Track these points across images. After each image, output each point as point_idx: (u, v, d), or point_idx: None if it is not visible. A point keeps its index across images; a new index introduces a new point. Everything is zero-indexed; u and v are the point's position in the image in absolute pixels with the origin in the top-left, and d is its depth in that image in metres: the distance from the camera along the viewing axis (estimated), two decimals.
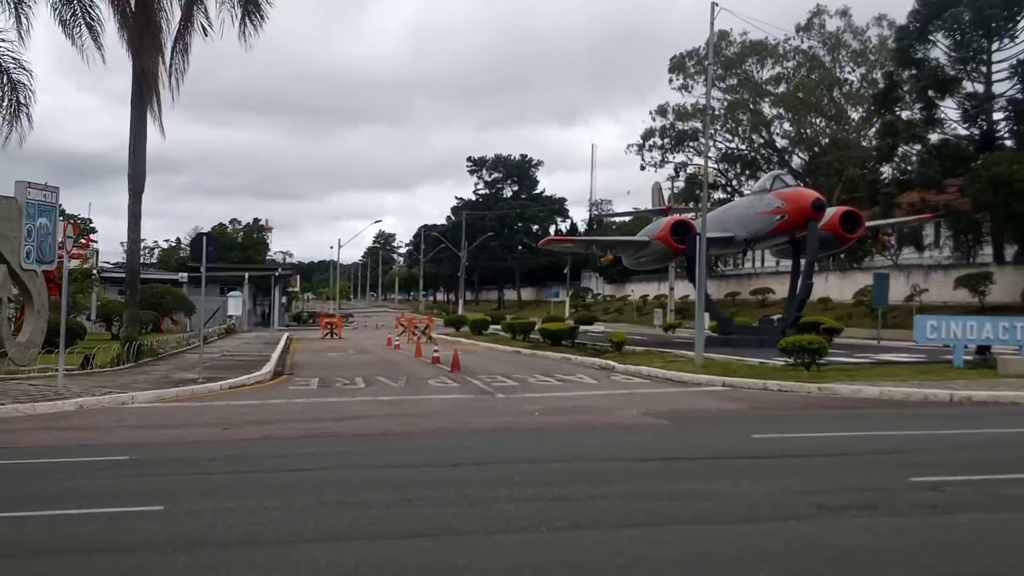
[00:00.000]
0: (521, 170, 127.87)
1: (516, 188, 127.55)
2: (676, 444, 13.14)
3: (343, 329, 57.53)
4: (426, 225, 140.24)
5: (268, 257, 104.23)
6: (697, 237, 28.32)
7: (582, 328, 47.07)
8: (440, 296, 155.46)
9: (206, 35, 29.51)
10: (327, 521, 8.37)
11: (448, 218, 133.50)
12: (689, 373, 23.92)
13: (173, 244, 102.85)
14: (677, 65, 79.41)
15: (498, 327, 49.09)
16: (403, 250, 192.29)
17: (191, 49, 29.44)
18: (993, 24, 54.58)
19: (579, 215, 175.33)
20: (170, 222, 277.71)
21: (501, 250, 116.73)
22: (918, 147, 58.42)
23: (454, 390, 21.78)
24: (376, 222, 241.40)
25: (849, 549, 7.36)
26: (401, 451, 12.78)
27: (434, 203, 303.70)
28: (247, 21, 29.22)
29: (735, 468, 11.04)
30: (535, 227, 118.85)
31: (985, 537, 7.67)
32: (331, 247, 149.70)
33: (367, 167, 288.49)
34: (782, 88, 76.34)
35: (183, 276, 51.87)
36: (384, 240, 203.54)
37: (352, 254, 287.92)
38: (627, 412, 17.25)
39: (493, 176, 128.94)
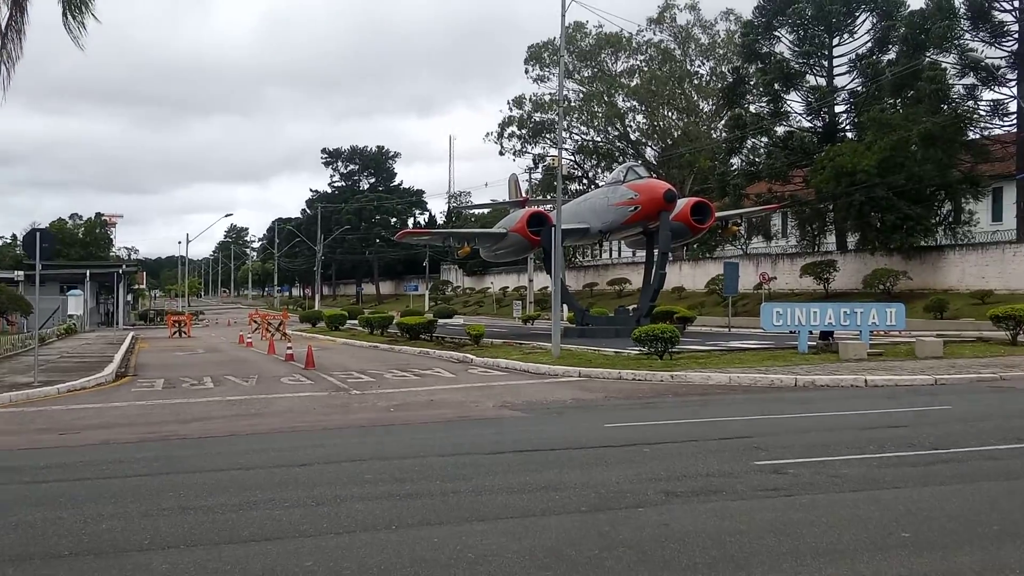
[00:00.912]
0: (378, 162, 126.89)
1: (373, 180, 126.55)
2: (531, 436, 13.14)
3: (192, 327, 55.76)
4: (280, 218, 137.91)
5: (112, 253, 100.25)
6: (552, 228, 28.54)
7: (441, 321, 46.98)
8: (296, 291, 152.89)
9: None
10: (166, 528, 8.01)
11: (303, 211, 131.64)
12: (546, 364, 24.07)
13: (8, 241, 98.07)
14: (534, 56, 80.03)
15: (355, 322, 48.54)
16: (257, 244, 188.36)
17: (25, 35, 27.84)
18: (834, 20, 56.94)
19: (438, 207, 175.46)
20: (6, 218, 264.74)
21: (359, 243, 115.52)
22: (765, 139, 60.50)
23: (307, 388, 21.34)
24: (227, 215, 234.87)
25: (694, 533, 7.47)
26: (249, 452, 12.38)
27: (289, 196, 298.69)
28: (69, 15, 27.43)
29: (587, 458, 11.10)
30: (393, 220, 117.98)
31: (822, 517, 7.89)
32: (179, 242, 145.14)
33: (218, 159, 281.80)
34: (636, 81, 77.82)
35: (18, 274, 49.29)
36: (236, 234, 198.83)
37: (203, 249, 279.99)
38: (483, 405, 17.23)
39: (349, 168, 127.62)
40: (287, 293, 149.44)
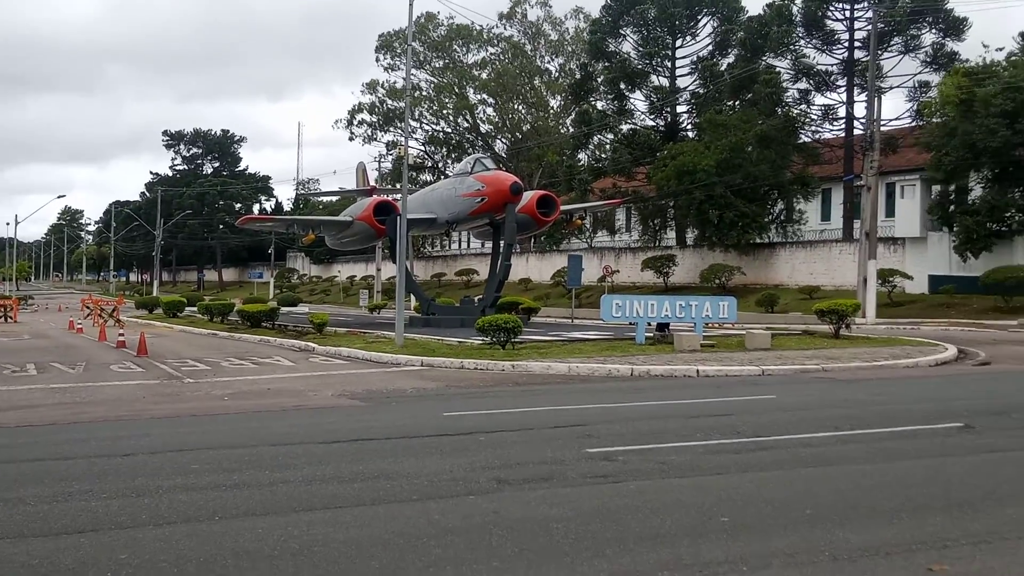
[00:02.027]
0: (223, 146, 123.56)
1: (218, 164, 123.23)
2: (368, 425, 13.00)
3: (19, 312, 52.94)
4: (118, 201, 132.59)
5: None
6: (399, 218, 28.36)
7: (285, 309, 46.17)
8: (134, 277, 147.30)
9: None
10: None
11: (143, 194, 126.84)
12: (389, 354, 23.92)
13: None
14: (385, 44, 79.43)
15: (195, 309, 47.11)
16: (93, 228, 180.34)
17: None
18: (676, 22, 58.52)
19: (286, 194, 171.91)
20: None
21: (201, 229, 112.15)
22: (611, 136, 61.76)
23: (138, 375, 20.56)
24: (60, 197, 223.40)
25: (523, 520, 7.51)
26: (70, 442, 11.80)
27: (129, 178, 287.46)
28: None
29: (423, 446, 11.06)
30: (238, 205, 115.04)
31: (648, 503, 8.07)
32: (8, 223, 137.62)
33: (53, 138, 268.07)
34: (486, 74, 78.15)
35: None
36: (71, 217, 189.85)
37: (35, 231, 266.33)
38: (322, 394, 16.97)
39: (192, 151, 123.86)
40: (124, 278, 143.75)
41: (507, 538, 7.03)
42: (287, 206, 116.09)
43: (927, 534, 7.07)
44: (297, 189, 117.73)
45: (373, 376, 20.19)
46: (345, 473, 9.47)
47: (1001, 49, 45.54)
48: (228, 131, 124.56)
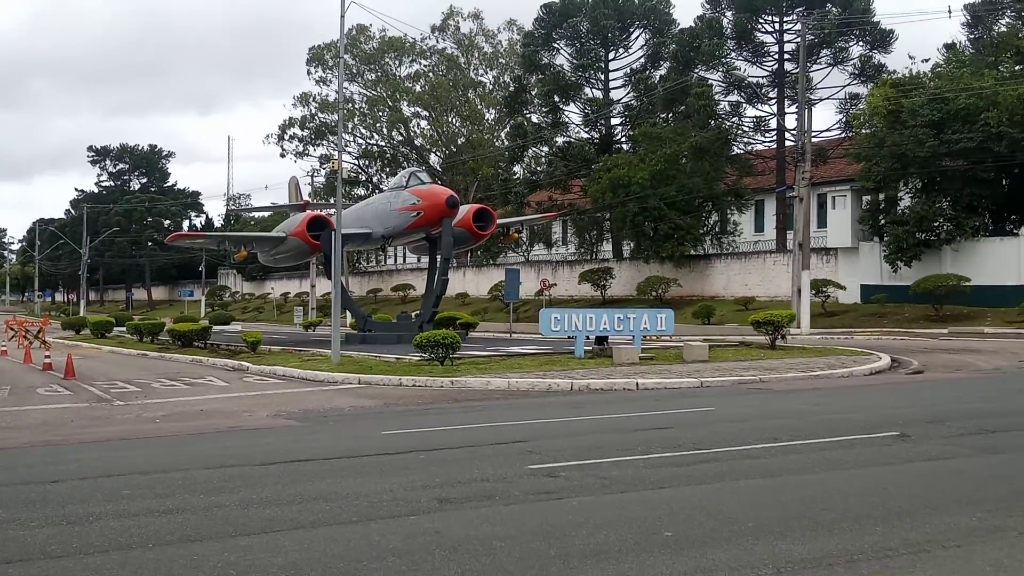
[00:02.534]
0: (151, 161, 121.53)
1: (145, 180, 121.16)
2: (305, 445, 12.77)
3: None
4: (43, 219, 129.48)
5: None
6: (333, 233, 28.06)
7: (217, 328, 45.43)
8: (60, 297, 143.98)
9: None
10: None
11: (68, 212, 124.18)
12: (325, 372, 23.62)
13: None
14: (316, 57, 78.85)
15: (124, 329, 46.14)
16: (16, 247, 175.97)
17: None
18: (609, 35, 59.01)
19: (216, 209, 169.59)
20: None
21: (129, 247, 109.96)
22: (546, 149, 62.00)
23: (66, 399, 20.00)
24: None
25: (466, 540, 7.40)
26: None
27: (54, 195, 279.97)
28: None
29: (362, 466, 10.90)
30: (167, 222, 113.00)
31: (591, 519, 8.00)
32: None
33: None
34: (420, 86, 77.97)
35: None
36: None
37: None
38: (257, 414, 16.67)
39: (119, 167, 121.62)
40: (49, 299, 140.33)
41: (449, 558, 6.92)
42: (218, 222, 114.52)
43: (868, 544, 7.11)
44: (228, 205, 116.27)
45: (309, 395, 19.90)
46: (283, 495, 9.27)
47: (927, 60, 46.86)
48: (156, 146, 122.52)
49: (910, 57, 56.15)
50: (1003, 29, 46.81)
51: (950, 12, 55.73)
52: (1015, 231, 41.94)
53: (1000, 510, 8.06)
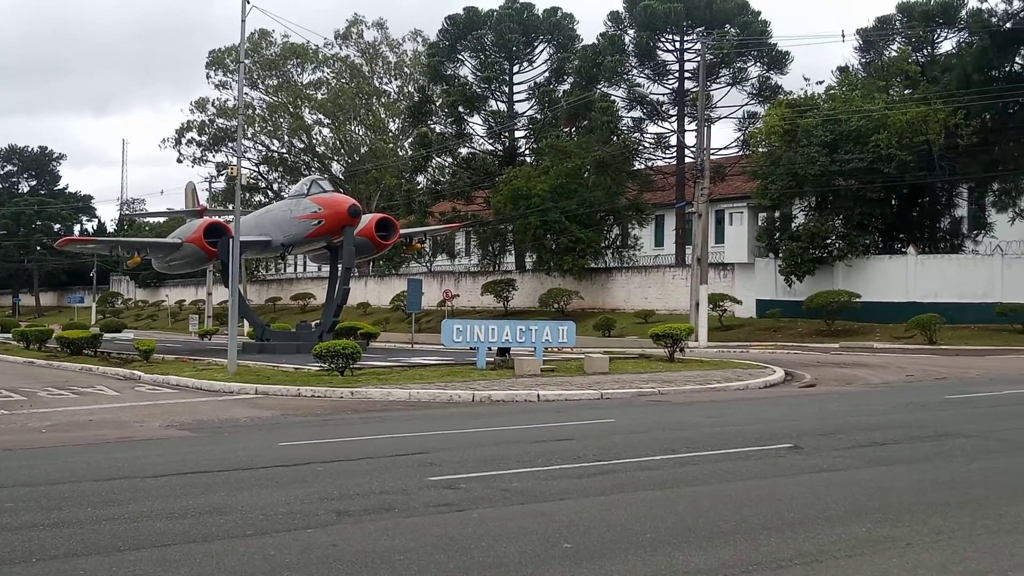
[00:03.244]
0: (40, 163, 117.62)
1: (35, 183, 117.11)
2: (199, 457, 12.44)
3: None
4: None
5: None
6: (231, 240, 27.52)
7: (109, 336, 44.16)
8: None
9: None
10: None
11: None
12: (221, 381, 23.10)
13: None
14: (216, 61, 77.40)
15: (9, 336, 44.47)
16: None
17: None
18: (514, 48, 59.33)
19: (110, 214, 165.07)
20: None
21: (17, 251, 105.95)
22: (450, 159, 61.93)
23: None
24: None
25: (363, 553, 7.31)
26: None
27: None
28: None
29: (257, 478, 10.67)
30: (57, 226, 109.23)
31: (491, 531, 7.97)
32: None
33: None
34: (322, 94, 77.15)
35: None
36: None
37: None
38: (149, 425, 16.21)
39: (7, 168, 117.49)
40: None
41: (347, 573, 6.84)
42: (111, 227, 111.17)
43: (762, 555, 7.23)
44: (122, 209, 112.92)
45: (204, 405, 19.43)
46: (174, 508, 9.02)
47: (821, 83, 48.23)
48: (46, 148, 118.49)
49: (805, 79, 57.82)
50: (893, 54, 48.52)
51: (843, 36, 58.00)
52: (903, 250, 43.47)
53: (889, 521, 8.28)
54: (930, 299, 39.81)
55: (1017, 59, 42.61)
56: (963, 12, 46.66)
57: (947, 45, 48.70)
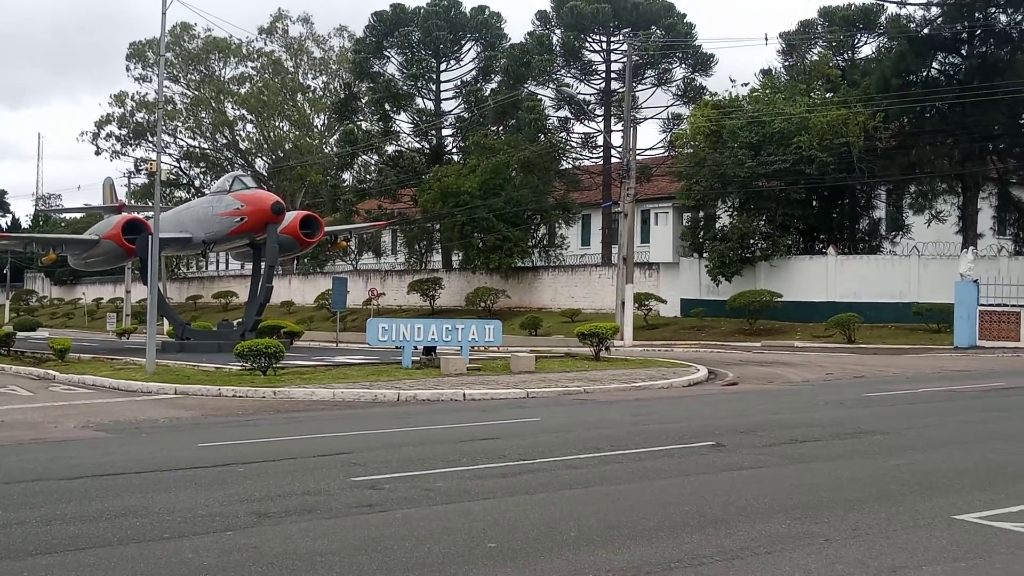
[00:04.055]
0: None
1: None
2: (115, 458, 12.15)
3: None
4: None
5: None
6: (150, 237, 26.95)
7: (22, 335, 42.90)
8: None
9: None
10: None
11: None
12: (139, 381, 22.60)
13: None
14: (136, 53, 75.85)
15: None
16: None
17: None
18: (441, 46, 59.17)
19: (24, 209, 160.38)
20: None
21: None
22: (376, 157, 61.53)
23: None
24: None
25: (284, 555, 7.20)
26: None
27: None
28: None
29: (176, 480, 10.45)
30: None
31: (415, 531, 7.91)
32: None
33: None
34: (246, 89, 76.04)
35: None
36: None
37: None
38: (64, 426, 15.79)
39: None
40: None
41: (265, 573, 6.69)
42: (25, 223, 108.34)
43: (684, 552, 7.28)
44: (37, 205, 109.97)
45: (121, 406, 18.98)
46: (89, 511, 8.80)
47: (746, 85, 48.93)
48: None
49: (731, 81, 58.80)
50: (815, 58, 49.41)
51: (767, 39, 58.96)
52: (824, 250, 44.33)
53: (808, 517, 8.40)
54: (849, 299, 40.64)
55: (934, 64, 43.75)
56: (883, 18, 47.71)
57: (867, 50, 49.84)
